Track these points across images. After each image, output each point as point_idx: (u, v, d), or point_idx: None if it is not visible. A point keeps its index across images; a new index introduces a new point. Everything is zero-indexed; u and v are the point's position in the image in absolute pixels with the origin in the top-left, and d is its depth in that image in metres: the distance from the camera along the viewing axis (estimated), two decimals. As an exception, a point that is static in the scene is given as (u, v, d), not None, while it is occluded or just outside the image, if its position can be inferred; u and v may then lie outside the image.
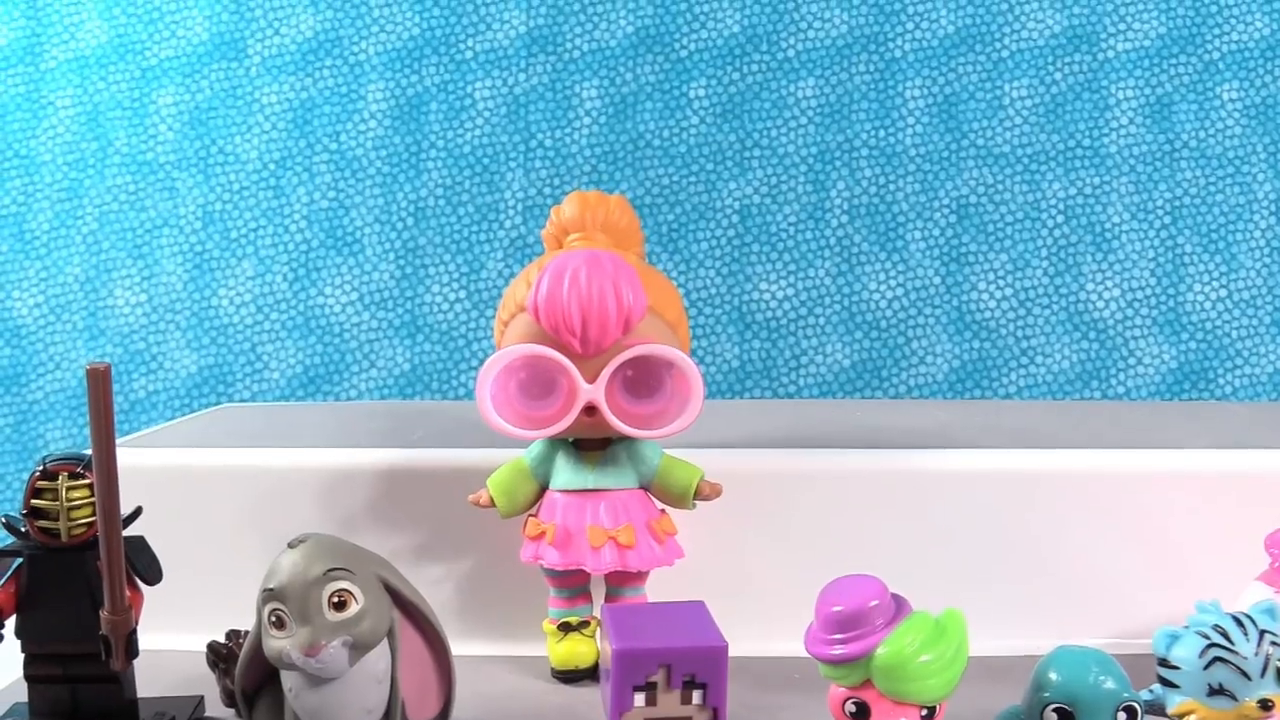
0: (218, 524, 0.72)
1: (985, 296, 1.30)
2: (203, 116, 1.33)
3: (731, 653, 0.53)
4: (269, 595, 0.48)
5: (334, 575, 0.48)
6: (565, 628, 0.65)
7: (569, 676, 0.65)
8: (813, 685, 0.64)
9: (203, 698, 0.62)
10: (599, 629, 0.65)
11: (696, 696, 0.50)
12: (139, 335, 1.33)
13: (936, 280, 1.30)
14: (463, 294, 1.32)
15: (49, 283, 1.34)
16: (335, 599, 0.48)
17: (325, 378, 1.32)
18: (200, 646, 0.66)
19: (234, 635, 0.63)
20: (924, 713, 0.51)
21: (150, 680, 0.61)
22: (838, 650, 0.51)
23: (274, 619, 0.48)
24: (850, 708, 0.51)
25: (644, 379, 0.62)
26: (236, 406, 1.18)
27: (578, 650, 0.65)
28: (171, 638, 0.65)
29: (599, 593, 0.68)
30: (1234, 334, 1.28)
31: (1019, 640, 0.66)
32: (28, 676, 0.56)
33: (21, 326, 1.34)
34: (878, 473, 0.72)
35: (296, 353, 1.33)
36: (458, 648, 0.54)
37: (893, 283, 1.30)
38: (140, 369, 1.33)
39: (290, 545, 0.50)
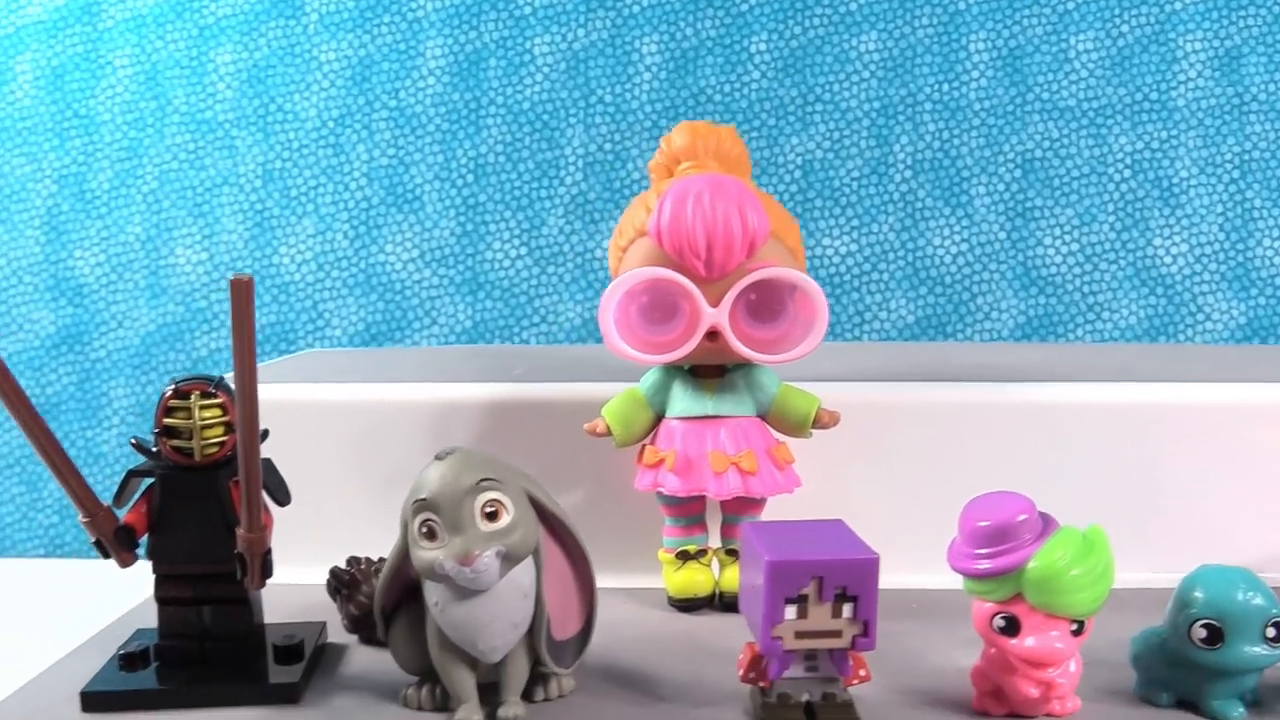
0: (323, 458, 0.72)
1: (1051, 252, 1.28)
2: (261, 75, 1.33)
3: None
4: (421, 505, 0.48)
5: (486, 485, 0.48)
6: (683, 556, 0.65)
7: (687, 604, 0.65)
8: (930, 614, 0.64)
9: (325, 624, 0.62)
10: (738, 548, 0.64)
11: (847, 610, 0.49)
12: (200, 293, 1.33)
13: (1001, 235, 1.29)
14: (523, 250, 1.31)
15: (110, 242, 1.34)
16: (488, 509, 0.47)
17: (387, 334, 1.32)
18: (309, 580, 0.66)
19: (355, 562, 0.62)
20: (1074, 627, 0.50)
21: (265, 612, 0.61)
22: (984, 565, 0.51)
23: (425, 530, 0.48)
24: (999, 622, 0.51)
25: (766, 303, 0.61)
26: (323, 351, 1.17)
27: (695, 579, 0.64)
28: (281, 571, 0.65)
29: (713, 523, 0.67)
30: (1305, 288, 1.26)
31: (1141, 574, 0.65)
32: (158, 598, 0.56)
33: (84, 285, 1.34)
34: (988, 405, 0.71)
35: (358, 309, 1.32)
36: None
37: (957, 238, 1.29)
38: (202, 327, 1.33)
39: (438, 457, 0.49)
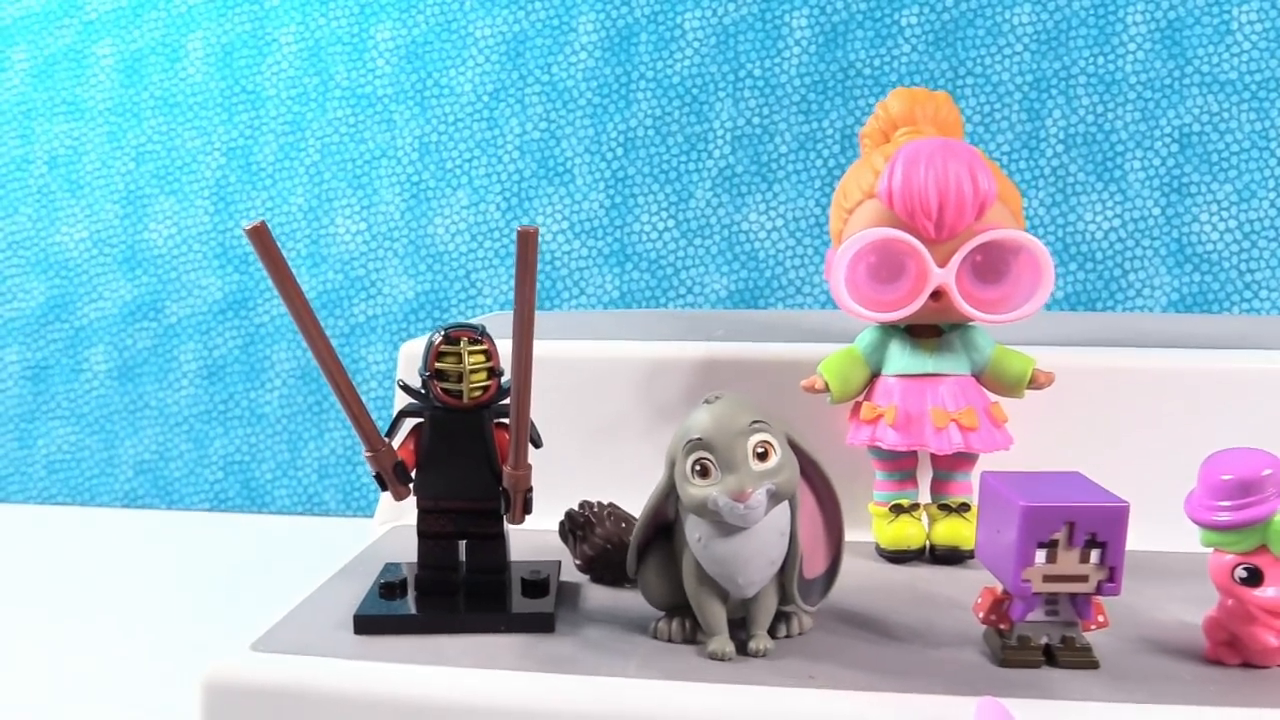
0: (534, 412, 0.75)
1: (1208, 228, 1.27)
2: (418, 50, 1.37)
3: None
4: (696, 444, 0.51)
5: (757, 427, 0.50)
6: (896, 509, 0.67)
7: (899, 557, 0.67)
8: (1139, 574, 0.65)
9: (560, 562, 0.65)
10: (950, 503, 0.67)
11: (1094, 555, 0.51)
12: (359, 262, 1.39)
13: (1156, 211, 1.27)
14: (671, 223, 1.34)
15: (274, 212, 1.40)
16: (759, 449, 0.50)
17: (536, 303, 1.36)
18: (534, 526, 0.69)
19: (588, 505, 0.66)
20: (1317, 580, 0.51)
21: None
22: (1225, 516, 0.52)
23: (698, 468, 0.51)
24: (1241, 573, 0.52)
25: (991, 265, 0.63)
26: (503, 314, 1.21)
27: (908, 532, 0.67)
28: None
29: (922, 479, 0.69)
30: None
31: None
32: (420, 532, 0.60)
33: (249, 254, 1.40)
34: (1198, 372, 0.72)
35: (508, 279, 1.37)
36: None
37: (1109, 214, 1.28)
38: (360, 294, 1.39)
39: (707, 401, 0.52)
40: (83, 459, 1.45)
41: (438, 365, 0.58)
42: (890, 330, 0.67)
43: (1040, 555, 0.51)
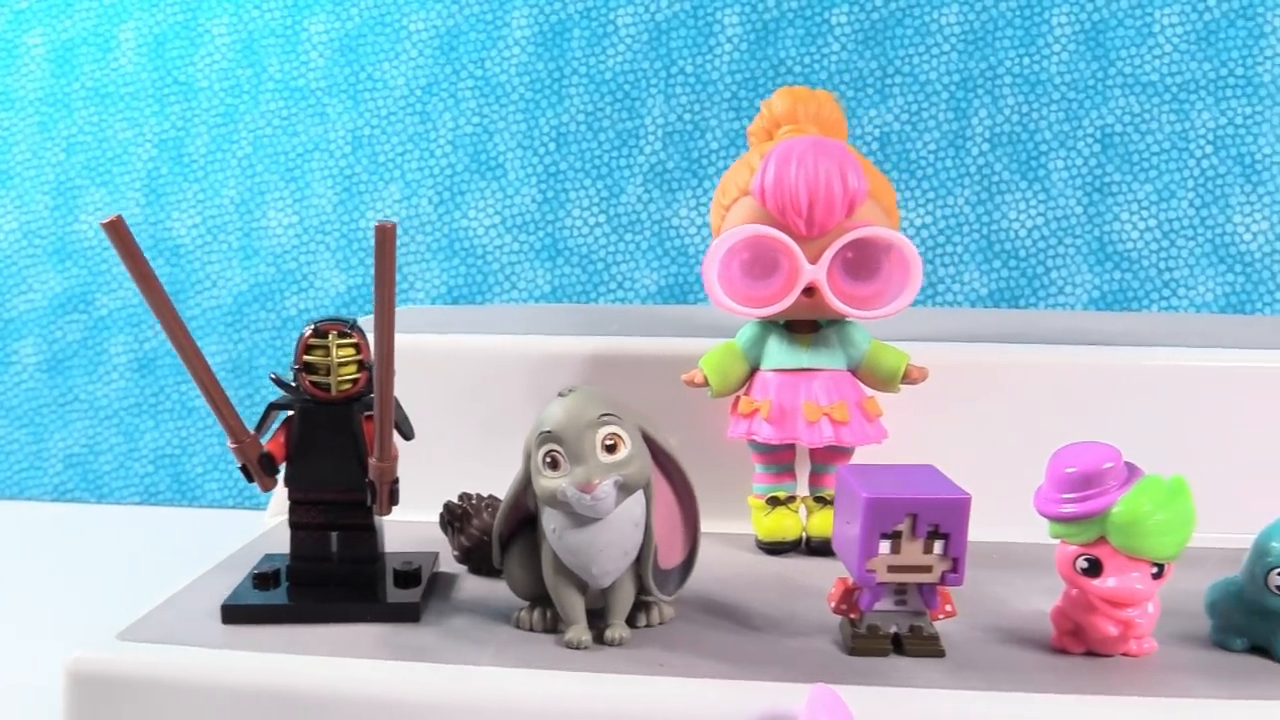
0: (430, 405, 0.76)
1: (1128, 227, 1.28)
2: (352, 44, 1.37)
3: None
4: (546, 437, 0.51)
5: (606, 420, 0.51)
6: (774, 501, 0.68)
7: (775, 548, 0.68)
8: (1008, 565, 0.67)
9: (438, 554, 0.66)
10: (826, 496, 0.68)
11: (938, 547, 0.52)
12: (290, 255, 1.39)
13: (1078, 210, 1.29)
14: (602, 218, 1.35)
15: (206, 204, 1.40)
16: (608, 441, 0.51)
17: (468, 298, 1.37)
18: (419, 517, 0.70)
19: (466, 497, 0.67)
20: (1154, 570, 0.53)
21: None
22: (1069, 509, 0.53)
23: (549, 460, 0.51)
24: (1082, 563, 0.53)
25: (863, 261, 0.64)
26: (420, 309, 1.22)
27: (784, 524, 0.68)
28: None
29: (801, 472, 0.70)
30: (1389, 270, 1.25)
31: (1213, 534, 0.67)
32: (292, 523, 0.61)
33: (180, 246, 1.40)
34: (1069, 367, 0.74)
35: (440, 273, 1.37)
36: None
37: (1033, 212, 1.30)
38: (291, 287, 1.39)
39: (561, 394, 0.53)
40: (11, 452, 1.44)
41: (306, 358, 0.58)
42: (769, 326, 0.68)
43: (884, 546, 0.52)
